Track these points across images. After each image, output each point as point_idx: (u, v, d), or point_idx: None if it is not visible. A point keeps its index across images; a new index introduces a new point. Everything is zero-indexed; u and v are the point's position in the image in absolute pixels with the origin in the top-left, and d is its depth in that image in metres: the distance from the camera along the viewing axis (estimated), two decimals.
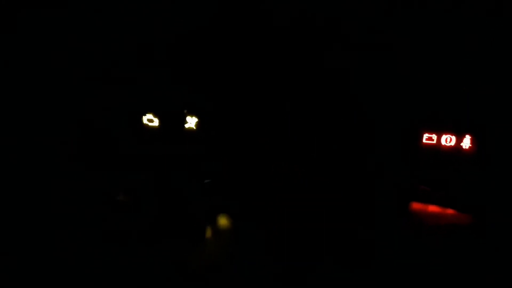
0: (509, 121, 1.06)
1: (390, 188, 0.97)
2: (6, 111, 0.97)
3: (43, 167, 0.96)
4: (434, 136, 1.13)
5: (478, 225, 0.83)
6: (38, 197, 0.87)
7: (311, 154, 1.16)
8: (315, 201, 0.90)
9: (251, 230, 0.80)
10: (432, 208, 0.87)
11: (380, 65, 1.15)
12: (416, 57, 1.13)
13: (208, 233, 0.79)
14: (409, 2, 1.08)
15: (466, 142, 1.12)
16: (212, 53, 1.14)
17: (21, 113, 0.99)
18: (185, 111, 1.13)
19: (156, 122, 1.15)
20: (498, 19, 1.06)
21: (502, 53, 1.08)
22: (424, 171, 1.11)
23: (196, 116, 1.14)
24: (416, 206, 0.89)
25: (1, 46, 0.96)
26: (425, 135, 1.14)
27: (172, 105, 1.14)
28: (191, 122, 1.16)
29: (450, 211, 0.85)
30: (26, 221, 0.79)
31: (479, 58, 1.10)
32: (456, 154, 1.12)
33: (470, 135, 1.12)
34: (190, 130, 1.16)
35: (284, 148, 1.19)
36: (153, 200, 0.91)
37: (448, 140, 1.13)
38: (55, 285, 0.65)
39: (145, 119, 1.14)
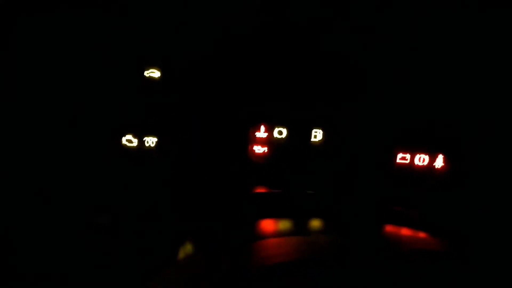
0: (482, 139, 1.09)
1: (365, 209, 0.98)
2: None
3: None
4: (408, 156, 1.14)
5: (453, 252, 0.78)
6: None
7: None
8: None
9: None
10: (405, 231, 0.87)
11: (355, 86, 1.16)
12: (389, 78, 1.16)
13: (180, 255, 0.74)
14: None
15: (439, 162, 1.13)
16: None
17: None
18: None
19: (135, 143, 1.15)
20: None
21: (474, 74, 1.11)
22: (397, 190, 1.12)
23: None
24: (388, 228, 0.90)
25: None
26: (399, 155, 1.15)
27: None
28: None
29: (422, 234, 0.85)
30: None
31: (451, 80, 1.12)
32: (429, 173, 1.13)
33: (443, 154, 1.13)
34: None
35: None
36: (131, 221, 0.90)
37: (421, 159, 1.14)
38: None
39: (124, 139, 1.14)
